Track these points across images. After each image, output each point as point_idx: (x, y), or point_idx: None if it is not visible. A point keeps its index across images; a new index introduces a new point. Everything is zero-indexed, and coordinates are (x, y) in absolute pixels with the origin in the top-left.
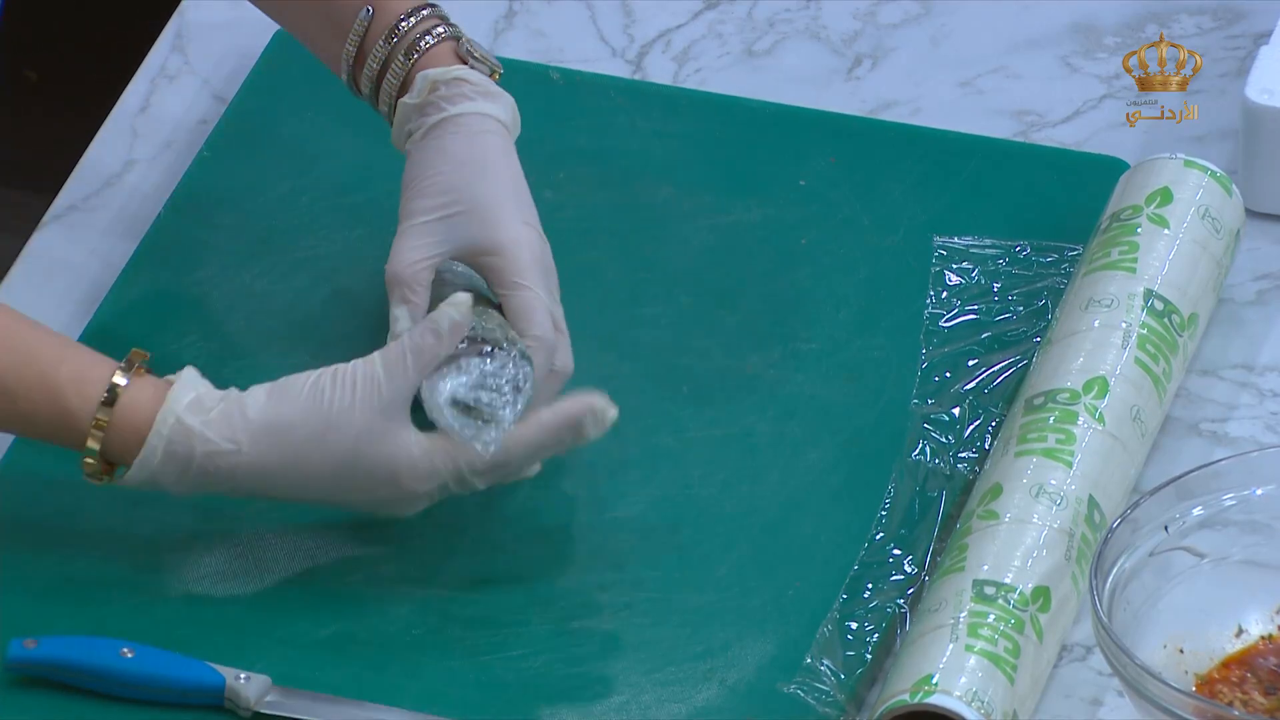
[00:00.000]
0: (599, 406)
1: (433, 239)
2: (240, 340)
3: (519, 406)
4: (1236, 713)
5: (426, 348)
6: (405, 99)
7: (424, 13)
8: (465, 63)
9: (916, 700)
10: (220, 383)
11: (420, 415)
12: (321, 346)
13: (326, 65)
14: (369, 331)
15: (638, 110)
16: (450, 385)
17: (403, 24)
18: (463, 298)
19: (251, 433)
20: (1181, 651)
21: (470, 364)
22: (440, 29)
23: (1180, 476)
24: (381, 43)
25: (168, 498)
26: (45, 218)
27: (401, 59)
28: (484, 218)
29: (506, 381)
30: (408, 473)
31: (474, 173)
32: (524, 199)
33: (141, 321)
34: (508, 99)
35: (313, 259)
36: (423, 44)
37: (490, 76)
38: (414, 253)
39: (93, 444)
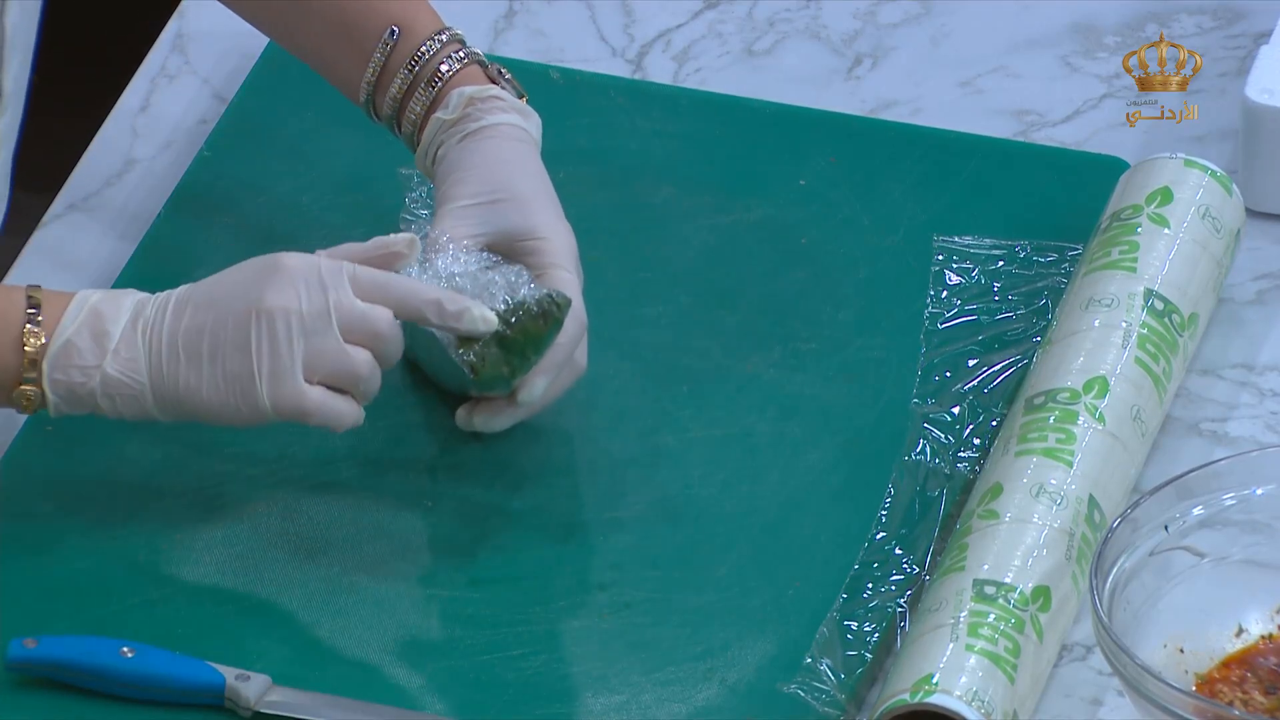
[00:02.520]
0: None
1: (475, 220)
2: None
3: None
4: (1237, 712)
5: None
6: (440, 114)
7: (443, 37)
8: (496, 84)
9: (917, 700)
10: None
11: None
12: None
13: (338, 89)
14: None
15: (638, 110)
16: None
17: (425, 47)
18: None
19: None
20: (1182, 651)
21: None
22: (462, 53)
23: (1180, 476)
24: (406, 66)
25: (168, 498)
26: (45, 218)
27: (429, 80)
28: (525, 208)
29: (496, 279)
30: (285, 256)
31: (513, 170)
32: (556, 200)
33: None
34: (537, 118)
35: None
36: (445, 68)
37: (519, 99)
38: (457, 230)
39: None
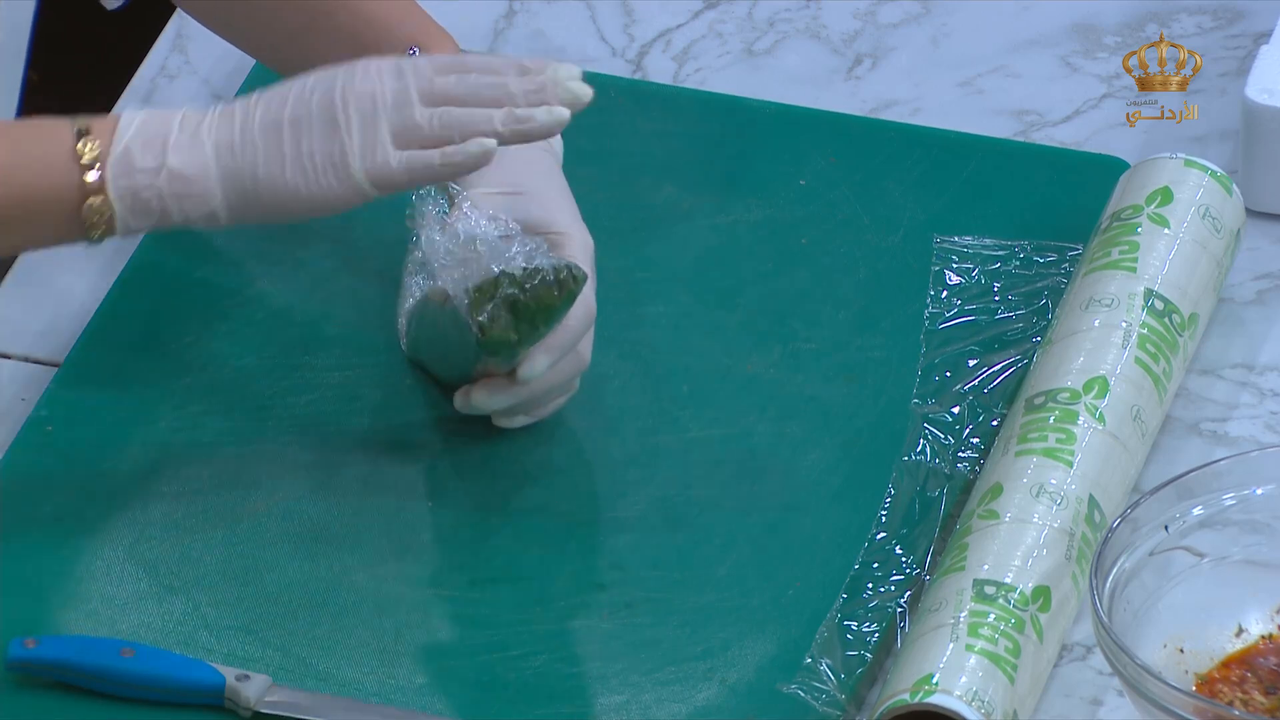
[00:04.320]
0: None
1: (496, 209)
2: (241, 340)
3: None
4: (1237, 712)
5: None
6: None
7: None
8: None
9: (917, 700)
10: (222, 390)
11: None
12: (322, 344)
13: None
14: (370, 329)
15: (638, 110)
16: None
17: None
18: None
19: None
20: (1181, 651)
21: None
22: None
23: (1180, 476)
24: None
25: (168, 499)
26: None
27: None
28: (545, 203)
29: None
30: (359, 61)
31: (535, 170)
32: (576, 205)
33: (142, 321)
34: (559, 138)
35: (313, 259)
36: None
37: None
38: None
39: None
